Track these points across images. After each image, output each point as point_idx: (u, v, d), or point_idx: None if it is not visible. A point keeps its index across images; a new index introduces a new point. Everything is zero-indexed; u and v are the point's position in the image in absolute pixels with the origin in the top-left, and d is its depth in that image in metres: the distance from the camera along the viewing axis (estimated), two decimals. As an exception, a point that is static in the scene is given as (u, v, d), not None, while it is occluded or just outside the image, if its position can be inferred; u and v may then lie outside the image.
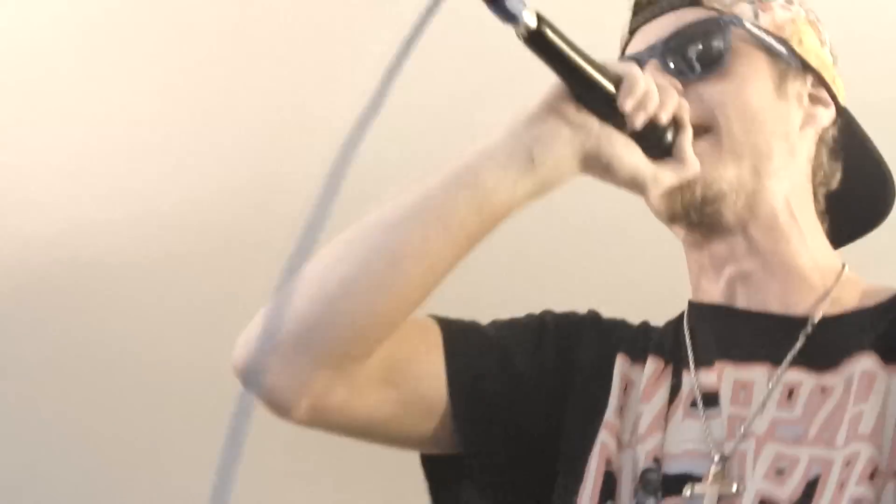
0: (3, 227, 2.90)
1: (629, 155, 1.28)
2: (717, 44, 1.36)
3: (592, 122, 1.27)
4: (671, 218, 1.36)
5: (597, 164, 1.28)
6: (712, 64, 1.35)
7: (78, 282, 2.99)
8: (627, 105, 1.26)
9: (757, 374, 1.32)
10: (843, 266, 1.39)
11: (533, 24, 1.20)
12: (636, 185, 1.30)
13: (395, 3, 2.45)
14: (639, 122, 1.27)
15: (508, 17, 1.20)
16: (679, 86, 1.34)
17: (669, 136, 1.30)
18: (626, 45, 1.43)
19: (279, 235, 2.80)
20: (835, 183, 1.43)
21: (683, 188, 1.32)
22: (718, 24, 1.37)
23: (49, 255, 2.96)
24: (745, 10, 1.39)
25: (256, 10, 2.55)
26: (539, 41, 1.22)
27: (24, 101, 2.71)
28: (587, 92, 1.26)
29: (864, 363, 1.28)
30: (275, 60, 2.62)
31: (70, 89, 2.67)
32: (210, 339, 3.09)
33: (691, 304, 1.41)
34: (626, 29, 1.44)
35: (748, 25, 1.37)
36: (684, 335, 1.38)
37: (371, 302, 1.27)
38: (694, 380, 1.34)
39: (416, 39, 1.07)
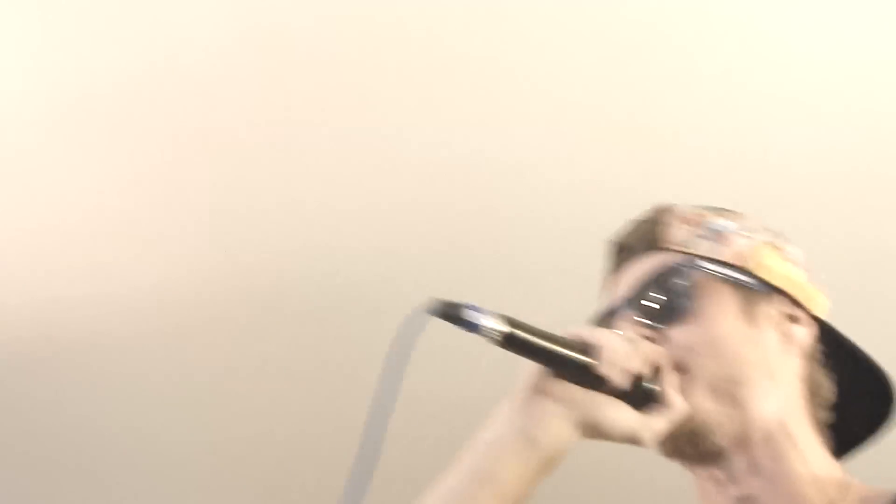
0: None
1: (618, 413, 1.31)
2: (681, 288, 1.41)
3: (577, 393, 1.31)
4: (671, 456, 1.41)
5: (591, 428, 1.32)
6: (678, 308, 1.41)
7: (47, 357, 3.06)
8: (605, 370, 1.30)
9: None
10: (844, 476, 1.42)
11: (502, 330, 1.28)
12: (632, 439, 1.33)
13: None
14: (620, 382, 1.31)
15: (475, 329, 1.27)
16: (650, 333, 1.39)
17: (651, 385, 1.35)
18: (606, 285, 1.50)
19: (245, 314, 2.88)
20: (830, 395, 1.45)
21: (673, 429, 1.36)
22: (679, 271, 1.42)
23: (19, 329, 3.00)
24: (704, 247, 1.43)
25: (231, 93, 2.61)
26: (512, 342, 1.29)
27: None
28: (566, 370, 1.32)
29: None
30: (245, 147, 2.69)
31: (43, 165, 2.72)
32: (178, 413, 3.17)
33: None
34: (606, 270, 1.50)
35: (707, 266, 1.42)
36: None
37: None
38: None
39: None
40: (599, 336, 1.33)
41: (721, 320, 1.40)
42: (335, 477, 3.23)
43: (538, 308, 2.90)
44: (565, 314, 2.84)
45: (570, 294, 2.86)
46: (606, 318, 1.45)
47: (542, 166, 2.72)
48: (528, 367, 1.32)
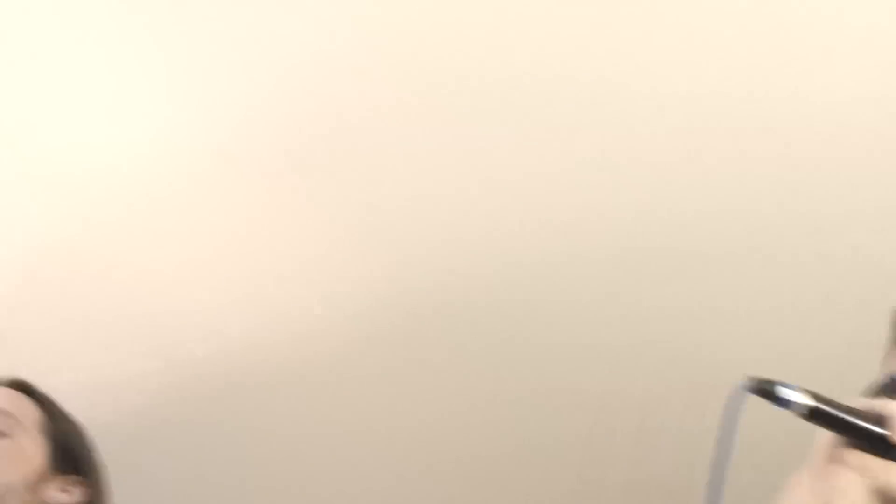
0: (180, 352, 3.03)
1: None
2: None
3: (872, 461, 1.39)
4: None
5: (886, 495, 1.40)
6: None
7: (247, 400, 3.13)
8: None
9: None
10: None
11: (810, 405, 1.38)
12: None
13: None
14: None
15: (785, 405, 1.38)
16: None
17: None
18: (891, 352, 1.60)
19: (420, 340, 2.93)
20: None
21: None
22: None
23: (222, 376, 3.09)
24: None
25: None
26: (816, 415, 1.39)
27: (200, 234, 2.84)
28: (862, 440, 1.40)
29: None
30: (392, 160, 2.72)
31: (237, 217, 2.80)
32: (367, 443, 3.23)
33: None
34: (891, 339, 1.61)
35: None
36: None
37: None
38: None
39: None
40: (894, 409, 1.40)
41: None
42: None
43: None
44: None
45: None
46: (891, 388, 1.53)
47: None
48: (826, 438, 1.40)
